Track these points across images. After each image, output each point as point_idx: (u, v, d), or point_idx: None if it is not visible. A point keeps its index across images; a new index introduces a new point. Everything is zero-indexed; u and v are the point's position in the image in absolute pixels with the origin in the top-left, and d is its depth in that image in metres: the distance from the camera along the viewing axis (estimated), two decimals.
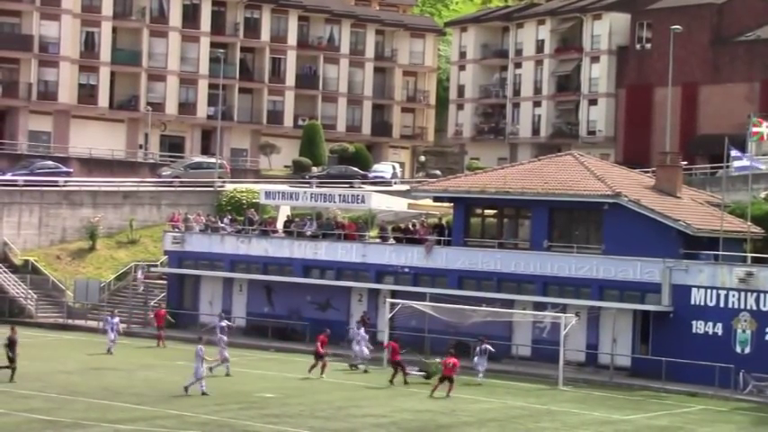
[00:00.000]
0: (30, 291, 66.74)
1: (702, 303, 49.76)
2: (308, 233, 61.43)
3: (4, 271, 67.77)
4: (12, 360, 42.62)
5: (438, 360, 46.44)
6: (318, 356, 47.11)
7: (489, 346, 48.06)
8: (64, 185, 75.44)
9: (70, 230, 73.22)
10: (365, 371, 49.22)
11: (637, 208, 51.77)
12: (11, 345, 42.81)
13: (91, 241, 72.78)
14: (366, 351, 49.90)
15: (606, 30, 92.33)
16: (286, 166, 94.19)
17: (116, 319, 54.34)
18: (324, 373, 46.65)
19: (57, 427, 34.08)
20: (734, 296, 49.12)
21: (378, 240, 60.90)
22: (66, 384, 42.38)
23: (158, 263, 67.94)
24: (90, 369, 47.35)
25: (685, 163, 64.86)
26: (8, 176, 74.31)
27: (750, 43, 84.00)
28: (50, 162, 79.89)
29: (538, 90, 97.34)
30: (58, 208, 73.10)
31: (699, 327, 49.76)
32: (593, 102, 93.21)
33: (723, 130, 72.79)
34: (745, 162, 51.64)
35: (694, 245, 51.09)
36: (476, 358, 48.11)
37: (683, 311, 50.05)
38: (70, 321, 64.44)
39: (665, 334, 50.44)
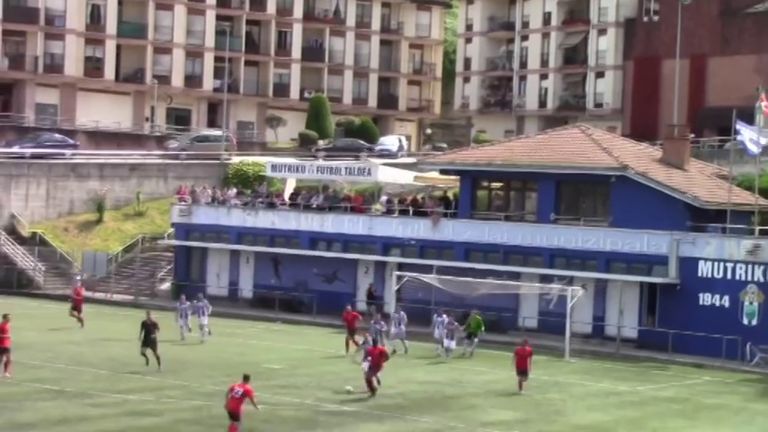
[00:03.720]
0: (38, 263, 66.89)
1: (709, 276, 49.76)
2: (315, 205, 61.45)
3: (13, 243, 67.90)
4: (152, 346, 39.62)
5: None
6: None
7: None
8: (71, 158, 75.43)
9: (77, 203, 73.31)
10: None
11: (644, 180, 51.71)
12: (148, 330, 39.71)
13: (98, 213, 72.90)
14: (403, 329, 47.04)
15: (613, 1, 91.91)
16: (292, 139, 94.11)
17: (204, 302, 48.78)
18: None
19: (65, 396, 34.19)
20: (741, 268, 49.11)
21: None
22: (74, 355, 42.49)
23: (165, 235, 68.05)
24: (98, 340, 47.45)
25: (693, 135, 64.67)
26: (15, 149, 74.27)
27: (759, 15, 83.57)
28: (57, 135, 79.80)
29: (545, 62, 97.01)
30: (66, 180, 73.16)
31: (706, 299, 49.79)
32: (600, 74, 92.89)
33: (731, 103, 72.43)
34: (749, 144, 50.50)
35: (702, 217, 51.05)
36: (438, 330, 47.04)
37: (690, 284, 50.05)
38: None
39: (672, 306, 50.46)
